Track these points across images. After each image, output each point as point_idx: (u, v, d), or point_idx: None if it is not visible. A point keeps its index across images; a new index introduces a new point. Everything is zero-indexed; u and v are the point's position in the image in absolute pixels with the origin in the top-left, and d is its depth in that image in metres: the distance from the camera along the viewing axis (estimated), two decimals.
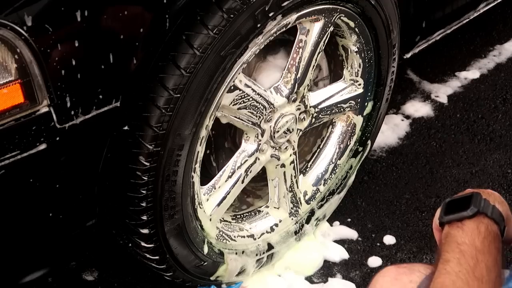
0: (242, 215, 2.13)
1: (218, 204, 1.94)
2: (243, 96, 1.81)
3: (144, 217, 1.73)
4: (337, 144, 2.27)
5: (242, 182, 1.97)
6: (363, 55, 2.10)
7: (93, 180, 1.60)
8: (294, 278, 2.19)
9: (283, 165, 2.07)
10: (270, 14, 1.70)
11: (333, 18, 1.93)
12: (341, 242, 2.31)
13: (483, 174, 2.55)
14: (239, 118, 1.86)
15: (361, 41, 2.07)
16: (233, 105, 1.81)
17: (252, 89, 1.83)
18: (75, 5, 1.37)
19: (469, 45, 3.29)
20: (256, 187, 2.26)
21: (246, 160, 1.95)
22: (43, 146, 1.44)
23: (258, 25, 1.68)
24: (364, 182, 2.53)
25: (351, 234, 2.34)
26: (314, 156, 2.28)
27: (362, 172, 2.47)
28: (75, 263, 2.10)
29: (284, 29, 1.80)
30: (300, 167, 2.20)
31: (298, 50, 1.91)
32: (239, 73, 1.74)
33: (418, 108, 2.90)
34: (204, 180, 1.92)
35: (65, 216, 1.60)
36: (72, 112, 1.45)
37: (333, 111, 2.14)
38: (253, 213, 2.15)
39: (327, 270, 2.22)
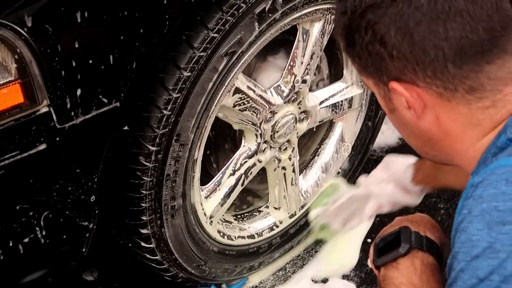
0: (242, 215, 2.13)
1: (219, 204, 1.94)
2: (243, 98, 1.81)
3: (144, 217, 1.73)
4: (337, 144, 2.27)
5: (243, 183, 1.97)
6: None
7: (93, 180, 1.60)
8: (298, 277, 2.19)
9: (283, 168, 2.08)
10: (270, 14, 1.70)
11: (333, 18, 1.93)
12: None
13: None
14: (240, 119, 1.86)
15: None
16: (233, 107, 1.81)
17: (253, 90, 1.83)
18: (75, 6, 1.37)
19: None
20: (256, 188, 2.26)
21: (246, 161, 1.95)
22: (43, 146, 1.44)
23: (258, 25, 1.68)
24: None
25: None
26: (314, 157, 2.28)
27: (362, 172, 2.47)
28: (75, 263, 2.09)
29: (284, 29, 1.80)
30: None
31: (298, 50, 1.91)
32: (239, 74, 1.74)
33: None
34: (204, 180, 1.92)
35: (65, 217, 1.60)
36: (72, 112, 1.45)
37: (333, 111, 2.14)
38: (253, 214, 2.15)
39: None
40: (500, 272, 0.94)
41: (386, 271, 1.22)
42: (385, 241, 1.27)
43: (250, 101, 1.83)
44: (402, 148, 2.70)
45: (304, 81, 1.95)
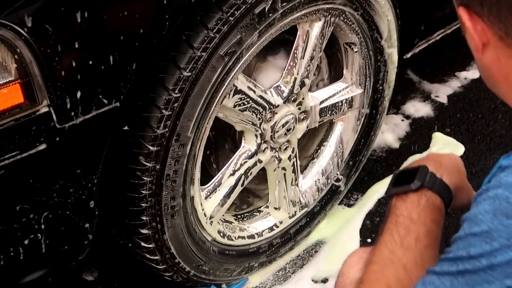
0: (242, 215, 2.13)
1: (218, 204, 1.94)
2: (243, 98, 1.81)
3: (144, 217, 1.73)
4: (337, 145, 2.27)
5: (243, 184, 1.97)
6: (363, 55, 2.10)
7: (93, 180, 1.60)
8: (298, 277, 2.19)
9: (283, 168, 2.08)
10: (270, 15, 1.70)
11: (334, 18, 1.93)
12: None
13: (483, 174, 2.55)
14: (240, 119, 1.86)
15: (361, 41, 2.07)
16: (233, 107, 1.81)
17: (253, 90, 1.83)
18: (75, 6, 1.37)
19: None
20: (255, 188, 2.26)
21: (246, 161, 1.94)
22: (43, 146, 1.44)
23: (258, 25, 1.68)
24: (364, 182, 2.53)
25: None
26: (314, 156, 2.28)
27: (362, 172, 2.48)
28: (75, 263, 2.10)
29: (284, 29, 1.80)
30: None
31: (298, 50, 1.91)
32: (239, 74, 1.74)
33: (418, 108, 2.90)
34: (204, 180, 1.92)
35: (65, 217, 1.60)
36: (72, 112, 1.45)
37: (333, 111, 2.14)
38: (254, 214, 2.15)
39: None
40: (489, 258, 0.96)
41: (396, 201, 1.26)
42: (404, 174, 1.31)
43: (250, 101, 1.83)
44: (402, 148, 2.71)
45: (304, 81, 1.95)
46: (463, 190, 1.32)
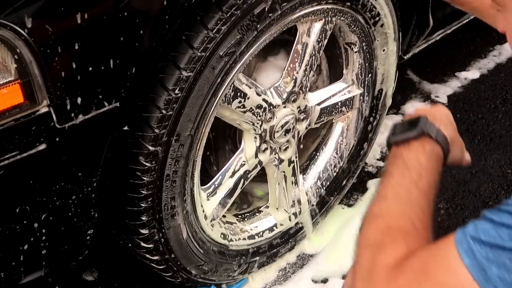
0: (243, 215, 2.13)
1: (218, 204, 1.94)
2: (243, 101, 1.81)
3: (144, 218, 1.73)
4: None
5: (242, 185, 1.97)
6: (362, 55, 2.10)
7: (93, 180, 1.60)
8: (298, 277, 2.19)
9: (283, 171, 2.07)
10: (270, 14, 1.70)
11: (334, 19, 1.93)
12: None
13: (483, 174, 2.55)
14: (240, 120, 1.86)
15: (361, 41, 2.07)
16: (234, 108, 1.81)
17: (253, 91, 1.83)
18: (75, 6, 1.37)
19: (469, 45, 3.28)
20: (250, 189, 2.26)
21: (246, 162, 1.94)
22: (43, 146, 1.44)
23: (258, 25, 1.68)
24: (364, 182, 2.53)
25: None
26: (313, 157, 2.28)
27: (362, 172, 2.48)
28: (75, 263, 2.09)
29: (284, 29, 1.80)
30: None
31: (298, 50, 1.91)
32: (239, 74, 1.74)
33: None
34: (204, 180, 1.92)
35: (65, 217, 1.60)
36: (72, 113, 1.45)
37: (333, 111, 2.14)
38: (255, 214, 2.15)
39: None
40: None
41: (397, 149, 1.24)
42: (402, 125, 1.29)
43: (250, 102, 1.83)
44: None
45: (304, 81, 1.95)
46: (456, 143, 1.30)
